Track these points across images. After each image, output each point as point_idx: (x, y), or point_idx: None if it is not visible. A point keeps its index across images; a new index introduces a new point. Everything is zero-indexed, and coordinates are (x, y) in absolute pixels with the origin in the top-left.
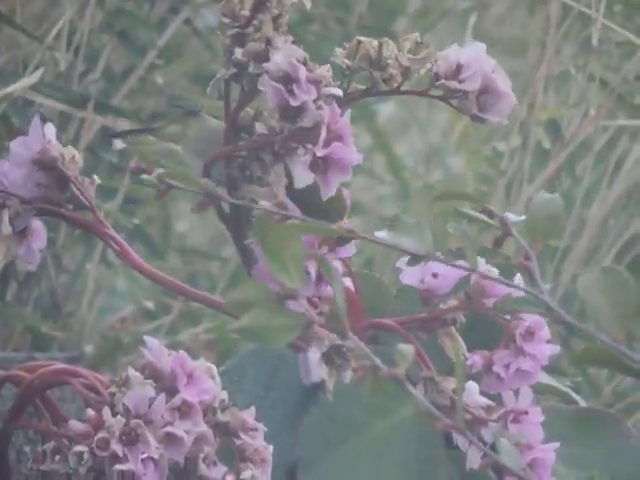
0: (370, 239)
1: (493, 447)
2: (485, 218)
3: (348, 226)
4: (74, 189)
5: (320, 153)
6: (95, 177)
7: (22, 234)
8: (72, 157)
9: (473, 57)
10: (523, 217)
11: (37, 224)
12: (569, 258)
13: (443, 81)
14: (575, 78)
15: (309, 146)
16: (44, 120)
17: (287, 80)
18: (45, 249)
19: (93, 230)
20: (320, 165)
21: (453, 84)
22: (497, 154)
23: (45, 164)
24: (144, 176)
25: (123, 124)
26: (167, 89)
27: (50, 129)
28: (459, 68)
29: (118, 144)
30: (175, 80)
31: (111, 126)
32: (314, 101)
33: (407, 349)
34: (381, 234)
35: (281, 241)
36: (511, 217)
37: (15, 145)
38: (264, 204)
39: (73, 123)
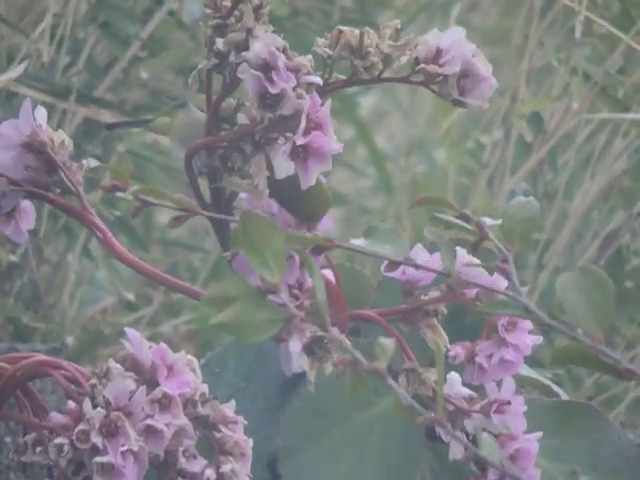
0: (348, 247)
1: (475, 439)
2: (462, 223)
3: (326, 228)
4: (62, 174)
5: (300, 142)
6: (84, 162)
7: (10, 214)
8: (62, 142)
9: (453, 41)
10: (499, 221)
11: (26, 204)
12: (551, 250)
13: (423, 65)
14: (558, 71)
15: (289, 135)
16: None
17: (266, 68)
18: (27, 241)
19: (78, 216)
20: (300, 154)
21: (433, 68)
22: (479, 146)
23: (34, 148)
24: (119, 194)
25: (106, 116)
26: (151, 81)
27: (41, 113)
28: (439, 52)
29: (92, 162)
30: (159, 72)
31: (94, 118)
32: (293, 89)
33: (387, 343)
34: (358, 242)
35: (262, 236)
36: (487, 221)
37: (5, 128)
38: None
39: (56, 114)
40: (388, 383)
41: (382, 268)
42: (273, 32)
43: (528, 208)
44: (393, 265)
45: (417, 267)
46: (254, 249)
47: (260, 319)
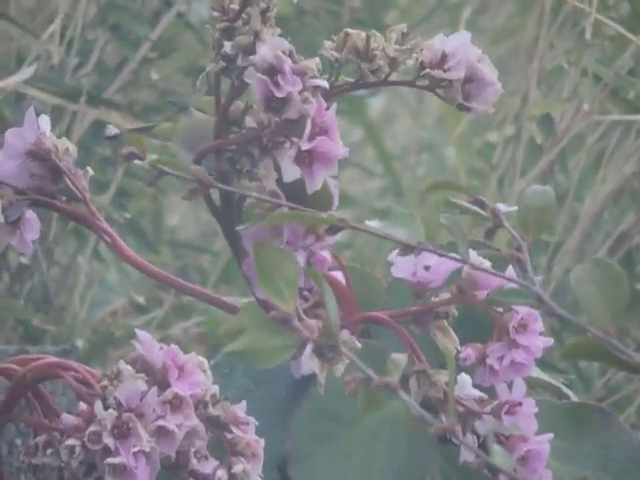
0: (362, 229)
1: (485, 442)
2: (476, 209)
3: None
4: (67, 181)
5: (305, 147)
6: (89, 169)
7: (15, 224)
8: (66, 149)
9: (458, 46)
10: (515, 208)
11: (30, 215)
12: (562, 252)
13: (428, 70)
14: (568, 72)
15: (294, 139)
16: (37, 113)
17: (272, 72)
18: (37, 242)
19: (85, 222)
20: (305, 159)
21: (438, 73)
22: (489, 147)
23: (39, 155)
24: (136, 162)
25: (116, 117)
26: (160, 83)
27: (44, 121)
28: (444, 57)
29: (112, 130)
30: (168, 74)
31: (104, 119)
32: (300, 93)
33: (400, 358)
34: (373, 224)
35: (275, 264)
36: (502, 208)
37: (9, 136)
38: (255, 193)
39: (66, 116)
40: (399, 397)
41: (392, 269)
42: (280, 35)
43: (543, 196)
44: (407, 249)
45: (430, 251)
46: (268, 279)
47: (273, 346)
